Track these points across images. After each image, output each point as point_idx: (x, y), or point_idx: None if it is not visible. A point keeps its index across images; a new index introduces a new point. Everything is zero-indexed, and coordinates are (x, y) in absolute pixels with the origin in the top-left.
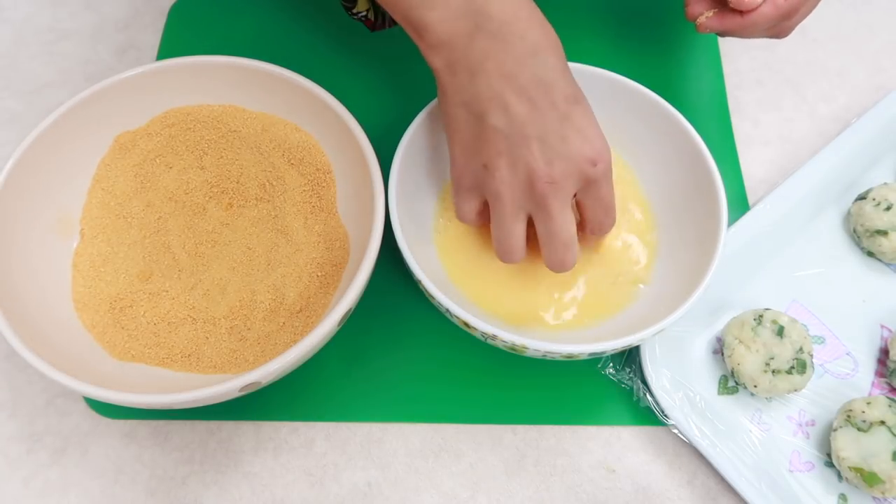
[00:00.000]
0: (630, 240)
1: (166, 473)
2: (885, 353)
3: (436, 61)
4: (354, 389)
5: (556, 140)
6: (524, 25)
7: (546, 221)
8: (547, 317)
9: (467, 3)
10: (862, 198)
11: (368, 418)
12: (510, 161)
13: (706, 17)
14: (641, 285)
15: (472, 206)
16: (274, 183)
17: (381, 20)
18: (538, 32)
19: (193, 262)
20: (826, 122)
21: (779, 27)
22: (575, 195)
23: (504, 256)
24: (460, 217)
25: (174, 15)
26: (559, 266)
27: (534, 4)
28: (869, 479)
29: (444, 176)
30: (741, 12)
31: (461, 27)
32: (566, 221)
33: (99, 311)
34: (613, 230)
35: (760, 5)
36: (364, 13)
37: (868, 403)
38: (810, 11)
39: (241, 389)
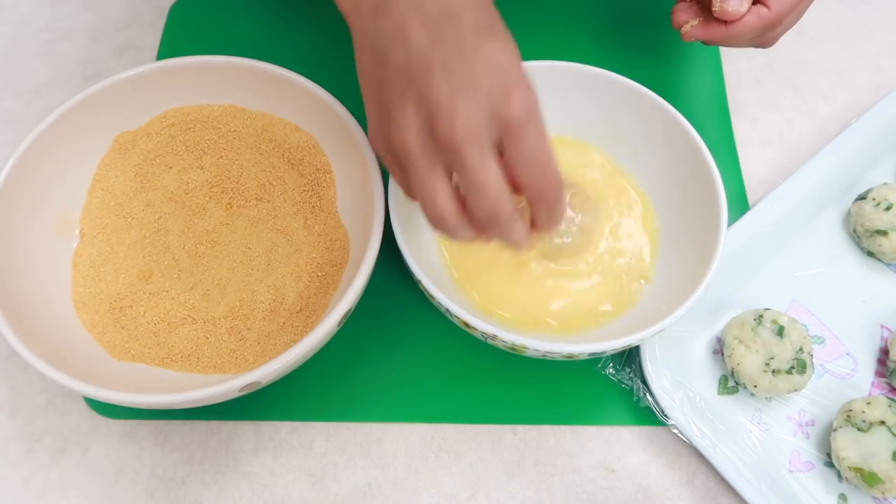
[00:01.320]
0: (633, 237)
1: (166, 473)
2: (885, 353)
3: (344, 4)
4: (354, 389)
5: (461, 71)
6: None
7: (462, 171)
8: (547, 317)
9: None
10: (862, 198)
11: (368, 418)
12: (413, 101)
13: (691, 25)
14: (644, 282)
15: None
16: (274, 183)
17: None
18: None
19: (193, 262)
20: (826, 122)
21: (763, 37)
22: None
23: (435, 224)
24: (420, 201)
25: (174, 15)
26: (493, 225)
27: None
28: (869, 479)
29: None
30: (725, 22)
31: None
32: (488, 171)
33: (99, 310)
34: (613, 229)
35: (744, 16)
36: None
37: (868, 403)
38: (795, 22)
39: (241, 389)
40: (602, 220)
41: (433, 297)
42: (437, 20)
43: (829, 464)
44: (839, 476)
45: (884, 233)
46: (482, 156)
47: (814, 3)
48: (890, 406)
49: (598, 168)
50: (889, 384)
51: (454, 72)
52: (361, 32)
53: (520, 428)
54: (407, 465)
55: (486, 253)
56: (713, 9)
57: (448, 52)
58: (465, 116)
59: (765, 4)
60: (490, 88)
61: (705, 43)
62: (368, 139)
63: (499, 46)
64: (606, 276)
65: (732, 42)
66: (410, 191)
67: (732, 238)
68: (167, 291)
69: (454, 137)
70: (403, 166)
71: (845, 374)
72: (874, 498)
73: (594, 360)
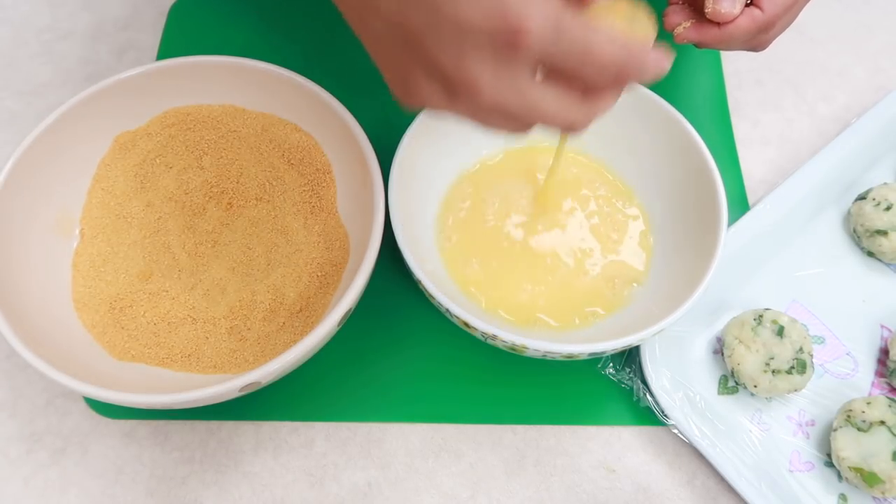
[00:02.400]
0: (632, 237)
1: (166, 473)
2: (885, 353)
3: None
4: (354, 389)
5: (450, 30)
6: None
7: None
8: (547, 317)
9: None
10: (862, 198)
11: (368, 418)
12: (424, 73)
13: (683, 27)
14: (636, 285)
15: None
16: (273, 183)
17: None
18: None
19: (193, 262)
20: (826, 122)
21: (756, 40)
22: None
23: (568, 124)
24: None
25: (174, 15)
26: (571, 126)
27: None
28: (869, 479)
29: (444, 175)
30: (718, 24)
31: None
32: (563, 96)
33: (99, 311)
34: (612, 230)
35: (737, 17)
36: None
37: (868, 403)
38: (788, 26)
39: (241, 389)
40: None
41: (433, 297)
42: None
43: (829, 464)
44: (839, 476)
45: (884, 233)
46: (515, 86)
47: (814, 3)
48: (890, 406)
49: (598, 168)
50: (889, 384)
51: (444, 32)
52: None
53: (520, 428)
54: (407, 465)
55: (485, 253)
56: (705, 10)
57: (427, 13)
58: (488, 81)
59: (758, 6)
60: (493, 36)
61: (698, 46)
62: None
63: None
64: (606, 277)
65: (725, 45)
66: (519, 120)
67: (732, 238)
68: (167, 291)
69: (473, 94)
70: (490, 112)
71: (845, 374)
72: (874, 498)
73: (594, 360)
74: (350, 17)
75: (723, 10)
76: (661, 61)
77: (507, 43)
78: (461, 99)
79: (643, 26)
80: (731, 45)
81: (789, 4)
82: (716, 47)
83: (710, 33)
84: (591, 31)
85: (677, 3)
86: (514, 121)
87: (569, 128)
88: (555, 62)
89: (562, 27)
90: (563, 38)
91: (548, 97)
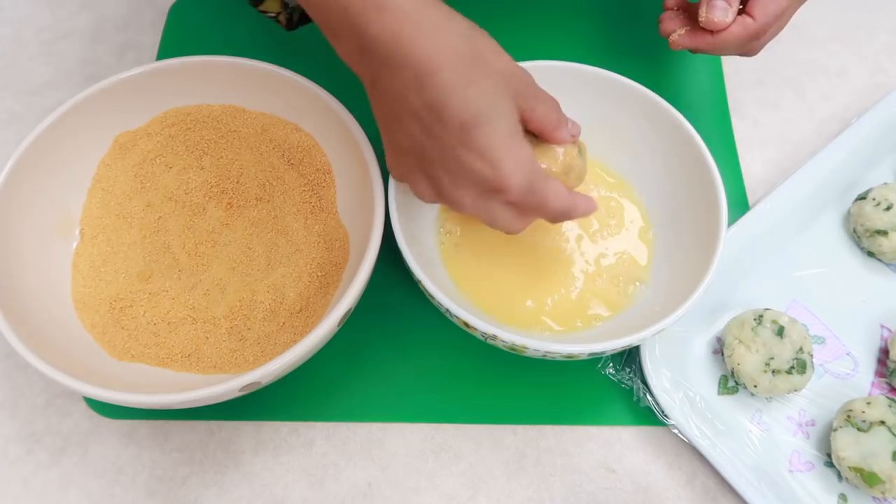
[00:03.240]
0: (629, 239)
1: (166, 473)
2: (885, 353)
3: (352, 69)
4: (354, 389)
5: (455, 167)
6: (406, 47)
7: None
8: (547, 318)
9: (349, 21)
10: (862, 198)
11: (368, 418)
12: (424, 178)
13: (678, 34)
14: (639, 283)
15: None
16: (273, 183)
17: (298, 19)
18: (425, 49)
19: (193, 262)
20: (826, 122)
21: (748, 46)
22: None
23: (568, 213)
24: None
25: (174, 15)
26: (513, 231)
27: (425, 6)
28: (869, 479)
29: None
30: (711, 31)
31: (352, 46)
32: (517, 220)
33: (99, 311)
34: (613, 230)
35: (730, 26)
36: (274, 15)
37: (868, 403)
38: (778, 32)
39: (241, 389)
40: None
41: (433, 297)
42: (423, 115)
43: (829, 464)
44: (839, 476)
45: (884, 233)
46: (508, 214)
47: (814, 3)
48: (890, 406)
49: (598, 168)
50: (889, 384)
51: (450, 167)
52: (372, 100)
53: (520, 428)
54: (407, 465)
55: (486, 253)
56: (699, 18)
57: (441, 147)
58: (472, 206)
59: (750, 15)
60: (482, 182)
61: (692, 51)
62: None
63: (487, 136)
64: (606, 277)
65: (718, 51)
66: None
67: (732, 238)
68: (167, 291)
69: (477, 215)
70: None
71: (845, 374)
72: (874, 498)
73: (594, 360)
74: (380, 113)
75: (716, 19)
76: (590, 206)
77: (493, 189)
78: (444, 202)
79: (584, 158)
80: (724, 52)
81: (779, 13)
82: (709, 53)
83: (703, 40)
84: (549, 190)
85: (672, 10)
86: (479, 220)
87: (511, 232)
88: (520, 205)
89: (532, 188)
90: (531, 194)
91: (505, 215)
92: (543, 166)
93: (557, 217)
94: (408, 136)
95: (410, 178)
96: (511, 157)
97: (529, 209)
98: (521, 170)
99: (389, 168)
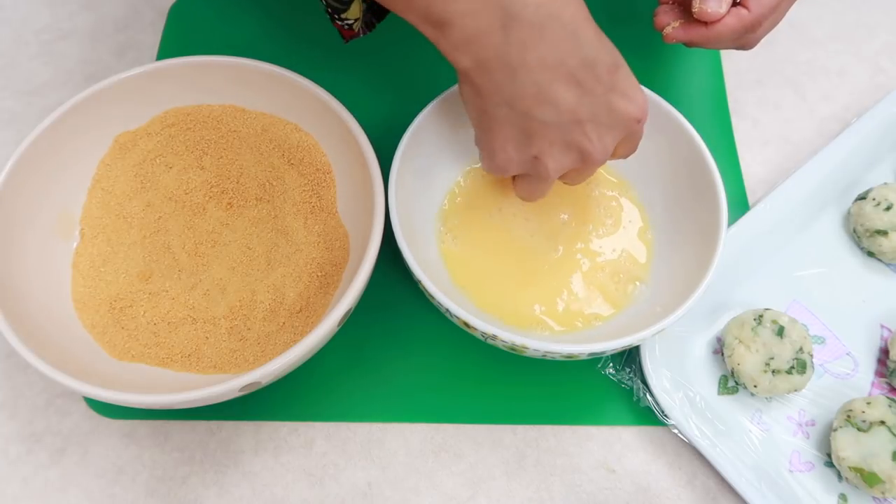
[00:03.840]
0: (629, 239)
1: (166, 473)
2: (885, 353)
3: (463, 60)
4: (354, 389)
5: (605, 115)
6: (558, 3)
7: (583, 174)
8: (547, 318)
9: None
10: (862, 198)
11: (368, 418)
12: (563, 147)
13: (672, 27)
14: (639, 283)
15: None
16: (274, 183)
17: (360, 30)
18: (572, 5)
19: (193, 262)
20: (826, 122)
21: (744, 39)
22: None
23: (528, 198)
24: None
25: (174, 15)
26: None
27: None
28: (869, 479)
29: (444, 175)
30: (706, 24)
31: (491, 18)
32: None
33: (99, 311)
34: (613, 230)
35: (724, 17)
36: (352, 22)
37: (868, 403)
38: (776, 24)
39: (241, 389)
40: None
41: (433, 297)
42: (579, 74)
43: (829, 464)
44: (839, 476)
45: (884, 233)
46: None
47: (814, 3)
48: (890, 406)
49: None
50: (889, 384)
51: (600, 119)
52: (494, 90)
53: (520, 428)
54: (407, 465)
55: (486, 253)
56: (693, 10)
57: (593, 101)
58: (609, 149)
59: (745, 6)
60: (628, 119)
61: (687, 45)
62: (493, 163)
63: (626, 76)
64: (605, 276)
65: (713, 44)
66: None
67: (732, 238)
68: (167, 291)
69: (595, 164)
70: (535, 176)
71: (845, 374)
72: (874, 498)
73: (594, 360)
74: (499, 97)
75: (709, 10)
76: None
77: (636, 120)
78: (585, 162)
79: None
80: (719, 45)
81: (775, 4)
82: (704, 46)
83: (698, 32)
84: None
85: (667, 3)
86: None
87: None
88: (624, 141)
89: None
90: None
91: (636, 142)
92: None
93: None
94: (557, 108)
95: (546, 152)
96: (639, 88)
97: (636, 138)
98: (644, 97)
99: (502, 164)
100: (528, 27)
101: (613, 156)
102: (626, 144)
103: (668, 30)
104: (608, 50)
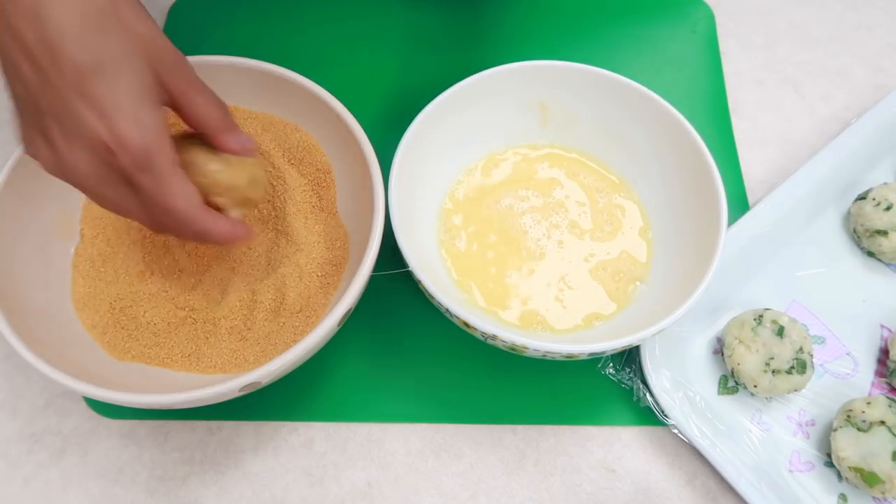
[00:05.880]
0: (629, 239)
1: (166, 473)
2: (885, 353)
3: None
4: (354, 389)
5: (67, 118)
6: None
7: (104, 204)
8: (547, 317)
9: None
10: (862, 198)
11: (368, 418)
12: (39, 135)
13: None
14: (640, 283)
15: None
16: (274, 183)
17: None
18: None
19: (193, 262)
20: (826, 122)
21: None
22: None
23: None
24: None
25: (174, 15)
26: (193, 227)
27: None
28: (869, 479)
29: (444, 175)
30: None
31: None
32: (139, 207)
33: (99, 311)
34: (614, 230)
35: None
36: None
37: (868, 403)
38: None
39: (241, 389)
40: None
41: (433, 297)
42: (39, 57)
43: (829, 464)
44: (839, 476)
45: (884, 233)
46: (115, 191)
47: (814, 3)
48: (890, 406)
49: (598, 168)
50: (889, 384)
51: (63, 120)
52: None
53: (520, 428)
54: (407, 465)
55: (486, 253)
56: None
57: (55, 94)
58: (78, 162)
59: None
60: (95, 140)
61: None
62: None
63: (108, 87)
64: (606, 276)
65: None
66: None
67: (732, 238)
68: (167, 291)
69: (81, 185)
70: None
71: (845, 374)
72: (874, 498)
73: (594, 360)
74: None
75: None
76: (237, 233)
77: (104, 148)
78: (62, 171)
79: (258, 187)
80: None
81: None
82: None
83: None
84: (176, 181)
85: None
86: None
87: (146, 224)
88: (136, 181)
89: (150, 162)
90: (148, 170)
91: (122, 192)
92: (201, 176)
93: (187, 224)
94: (22, 84)
95: (34, 143)
96: (130, 115)
97: (149, 194)
98: (141, 134)
99: (21, 141)
100: None
101: (125, 212)
102: (141, 198)
103: None
104: (85, 46)
